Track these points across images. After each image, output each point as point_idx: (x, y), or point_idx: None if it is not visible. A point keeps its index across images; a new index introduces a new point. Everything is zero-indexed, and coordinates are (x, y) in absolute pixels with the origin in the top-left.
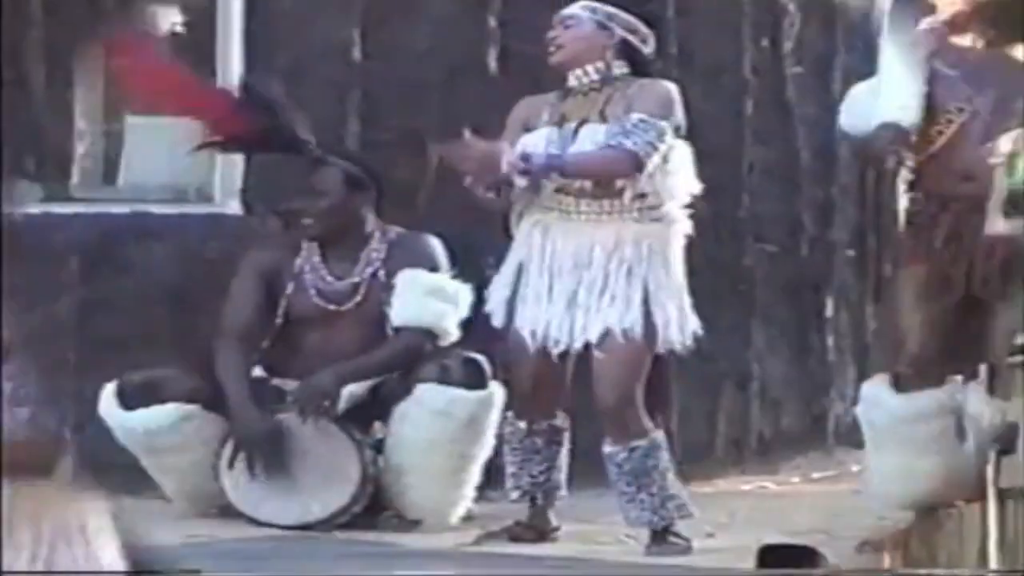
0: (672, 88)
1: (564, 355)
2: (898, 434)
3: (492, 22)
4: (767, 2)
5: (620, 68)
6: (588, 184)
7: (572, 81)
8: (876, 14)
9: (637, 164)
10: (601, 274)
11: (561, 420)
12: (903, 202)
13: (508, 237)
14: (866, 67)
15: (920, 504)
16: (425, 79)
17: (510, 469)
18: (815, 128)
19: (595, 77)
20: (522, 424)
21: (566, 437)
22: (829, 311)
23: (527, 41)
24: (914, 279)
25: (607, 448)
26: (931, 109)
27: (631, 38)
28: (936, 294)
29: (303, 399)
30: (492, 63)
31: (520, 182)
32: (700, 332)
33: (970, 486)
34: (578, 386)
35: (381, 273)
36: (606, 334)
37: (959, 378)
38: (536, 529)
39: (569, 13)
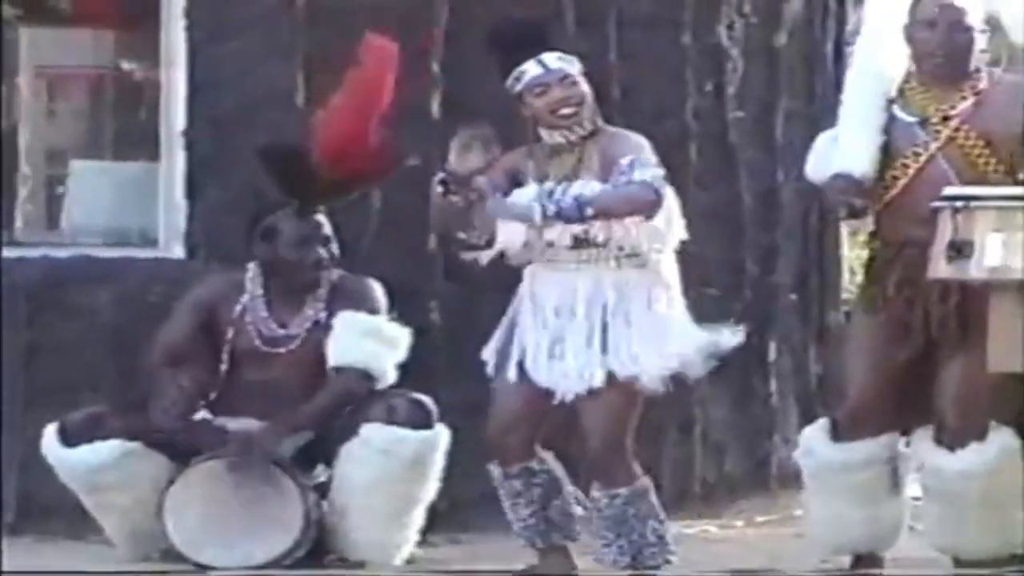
0: (642, 138)
1: (543, 400)
2: (830, 481)
3: (435, 67)
4: (710, 47)
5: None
6: (573, 234)
7: (558, 138)
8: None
9: (655, 193)
10: (585, 322)
11: (537, 463)
12: (861, 250)
13: (448, 282)
14: (808, 112)
15: (853, 551)
16: None
17: (508, 514)
18: (758, 172)
19: (588, 129)
20: (497, 470)
21: (548, 480)
22: (772, 355)
23: (470, 86)
24: (866, 328)
25: (593, 492)
26: (889, 156)
27: None
28: (893, 343)
29: (241, 453)
30: (435, 108)
31: (552, 225)
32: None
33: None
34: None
35: (323, 316)
36: (592, 380)
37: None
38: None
39: (564, 71)
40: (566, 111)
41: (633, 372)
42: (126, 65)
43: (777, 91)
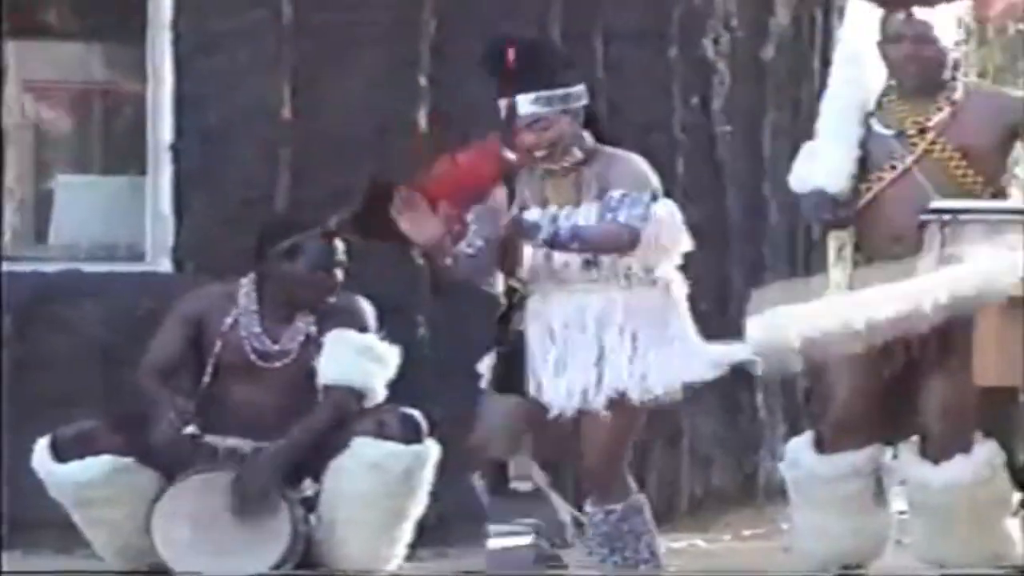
0: (639, 160)
1: (540, 414)
2: (816, 493)
3: (422, 80)
4: (697, 60)
5: (589, 138)
6: (577, 257)
7: (550, 164)
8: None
9: (633, 236)
10: (594, 340)
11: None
12: (847, 264)
13: (435, 298)
14: (795, 126)
15: (838, 564)
16: (355, 137)
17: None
18: (745, 186)
19: (579, 157)
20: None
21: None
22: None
23: (456, 99)
24: None
25: (588, 508)
26: (866, 169)
27: (582, 103)
28: (875, 361)
29: (243, 494)
30: (422, 121)
31: (538, 250)
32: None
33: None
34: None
35: (312, 331)
36: (592, 400)
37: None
38: None
39: (536, 115)
40: (538, 154)
41: (638, 392)
42: (113, 79)
43: (764, 105)
